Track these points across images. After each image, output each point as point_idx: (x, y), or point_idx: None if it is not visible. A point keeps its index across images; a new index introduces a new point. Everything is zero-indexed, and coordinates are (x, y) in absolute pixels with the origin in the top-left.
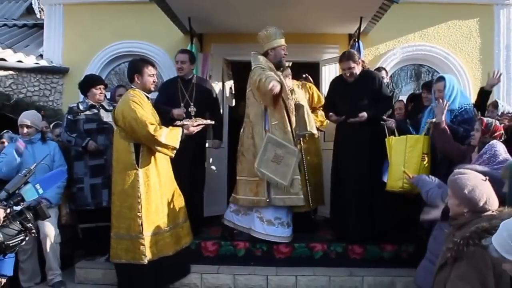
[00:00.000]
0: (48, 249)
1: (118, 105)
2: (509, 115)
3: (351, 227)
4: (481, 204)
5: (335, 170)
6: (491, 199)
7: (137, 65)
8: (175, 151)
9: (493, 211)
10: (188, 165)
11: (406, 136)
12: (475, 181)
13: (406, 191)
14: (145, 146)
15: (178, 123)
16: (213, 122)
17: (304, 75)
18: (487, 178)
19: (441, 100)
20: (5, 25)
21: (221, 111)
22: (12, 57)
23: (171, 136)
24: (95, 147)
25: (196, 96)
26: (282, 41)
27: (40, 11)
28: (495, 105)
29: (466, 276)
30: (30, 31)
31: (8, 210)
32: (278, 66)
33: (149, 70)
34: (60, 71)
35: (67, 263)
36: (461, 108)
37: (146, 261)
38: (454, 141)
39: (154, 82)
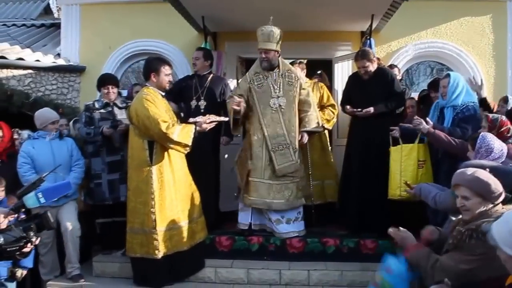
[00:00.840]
0: (68, 242)
1: (132, 103)
2: None
3: (359, 220)
4: (497, 195)
5: (346, 165)
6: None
7: (154, 63)
8: (188, 148)
9: (503, 207)
10: (202, 161)
11: (401, 146)
12: (490, 175)
13: (405, 200)
14: (158, 143)
15: (191, 120)
16: (226, 119)
17: (318, 72)
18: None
19: (416, 118)
20: (23, 25)
21: None
22: (30, 57)
23: (183, 134)
24: (109, 132)
25: (208, 92)
26: (259, 44)
27: (57, 11)
28: (505, 99)
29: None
30: (48, 31)
31: (16, 215)
32: (265, 68)
33: (166, 69)
34: (77, 70)
35: (85, 257)
36: (463, 105)
37: (159, 256)
38: (451, 139)
39: (169, 81)
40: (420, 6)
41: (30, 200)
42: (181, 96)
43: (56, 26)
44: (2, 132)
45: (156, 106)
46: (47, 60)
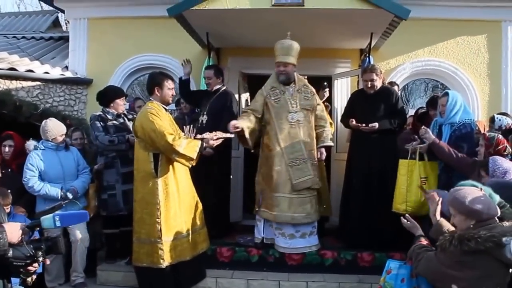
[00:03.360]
0: (76, 252)
1: (138, 117)
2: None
3: (359, 235)
4: (485, 213)
5: (347, 181)
6: (491, 207)
7: (157, 78)
8: (192, 162)
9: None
10: (212, 174)
11: (407, 161)
12: (473, 193)
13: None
14: (163, 156)
15: (198, 136)
16: (232, 136)
17: (324, 83)
18: (482, 188)
19: (423, 127)
20: (33, 37)
21: None
22: (39, 69)
23: (189, 147)
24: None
25: (211, 107)
26: (278, 57)
27: (66, 24)
28: (492, 119)
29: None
30: (56, 44)
31: (30, 233)
32: (281, 82)
33: (169, 84)
34: (84, 82)
35: (88, 265)
36: (461, 122)
37: (164, 265)
38: (453, 151)
39: (172, 95)
40: (417, 25)
41: (47, 221)
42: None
43: (65, 39)
44: (14, 142)
45: (161, 119)
46: (55, 72)
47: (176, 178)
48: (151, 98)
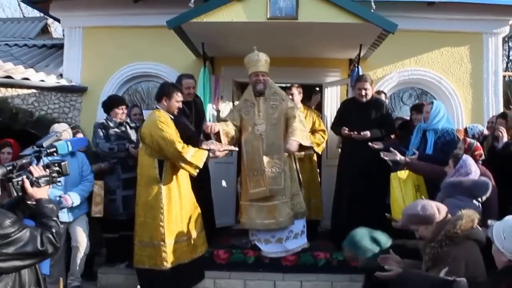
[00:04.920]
0: (76, 257)
1: (145, 124)
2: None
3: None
4: (437, 213)
5: (339, 186)
6: (439, 206)
7: (167, 89)
8: (197, 170)
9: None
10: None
11: (397, 173)
12: (418, 202)
13: None
14: (168, 162)
15: (205, 146)
16: (237, 149)
17: (316, 88)
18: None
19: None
20: (25, 45)
21: None
22: (34, 76)
23: (196, 156)
24: (135, 152)
25: (196, 116)
26: (252, 68)
27: (55, 30)
28: (466, 130)
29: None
30: (49, 51)
31: (43, 162)
32: (257, 93)
33: (177, 96)
34: (79, 90)
35: (86, 270)
36: (444, 130)
37: (167, 267)
38: (428, 166)
39: (179, 107)
40: (404, 37)
41: (62, 146)
42: None
43: (57, 46)
44: (12, 149)
45: (169, 127)
46: (51, 80)
47: (178, 183)
48: (157, 106)
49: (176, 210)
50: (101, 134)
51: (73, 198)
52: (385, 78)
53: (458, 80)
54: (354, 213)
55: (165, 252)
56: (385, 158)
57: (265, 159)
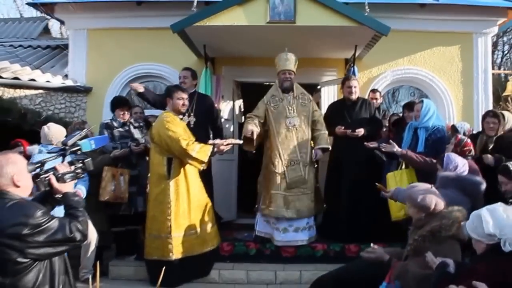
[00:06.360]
0: (88, 250)
1: (154, 125)
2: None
3: (343, 231)
4: (432, 207)
5: (330, 180)
6: (438, 201)
7: (169, 90)
8: (204, 165)
9: (442, 211)
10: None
11: (393, 173)
12: (425, 191)
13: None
14: (176, 160)
15: (210, 142)
16: (241, 142)
17: (318, 87)
18: (432, 186)
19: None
20: (30, 46)
21: (232, 126)
22: (41, 78)
23: (201, 152)
24: (139, 149)
25: (196, 109)
26: (281, 66)
27: (51, 26)
28: (455, 129)
29: (422, 264)
30: (54, 53)
31: (68, 159)
32: (284, 89)
33: (178, 94)
34: (84, 90)
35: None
36: (434, 127)
37: (173, 258)
38: (421, 158)
39: (183, 105)
40: (397, 37)
41: (85, 144)
42: None
43: (61, 48)
44: (23, 149)
45: (176, 126)
46: (57, 81)
47: (187, 180)
48: (166, 108)
49: (183, 205)
50: (105, 133)
51: (83, 191)
52: (380, 77)
53: (449, 78)
54: (346, 207)
55: (171, 244)
56: (384, 150)
57: (298, 149)
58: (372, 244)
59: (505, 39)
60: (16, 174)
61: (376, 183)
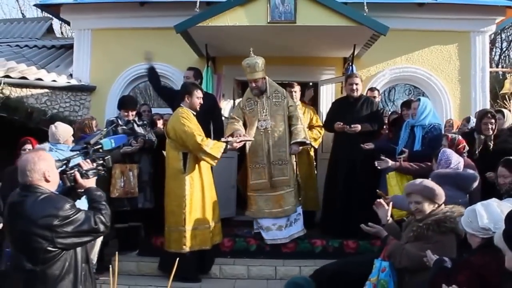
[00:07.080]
0: (92, 246)
1: (170, 121)
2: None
3: (341, 227)
4: (440, 197)
5: (329, 177)
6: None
7: (189, 87)
8: (216, 161)
9: (445, 207)
10: None
11: (394, 172)
12: (433, 183)
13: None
14: (191, 155)
15: (223, 139)
16: (252, 139)
17: (310, 83)
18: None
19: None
20: (35, 46)
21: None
22: (47, 77)
23: (215, 148)
24: (140, 145)
25: (202, 108)
26: (247, 75)
27: (60, 28)
28: (468, 119)
29: (420, 248)
30: (58, 52)
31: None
32: (255, 95)
33: (198, 93)
34: (88, 89)
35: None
36: (431, 125)
37: (186, 250)
38: (416, 166)
39: (200, 103)
40: (395, 36)
41: (107, 143)
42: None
43: (66, 47)
44: (32, 147)
45: (191, 122)
46: (62, 80)
47: (201, 175)
48: (181, 104)
49: (197, 199)
50: (110, 131)
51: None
52: (378, 75)
53: (447, 76)
54: (345, 204)
55: (185, 236)
56: (379, 167)
57: (272, 152)
58: (377, 190)
59: (503, 36)
60: (47, 170)
61: (377, 190)
